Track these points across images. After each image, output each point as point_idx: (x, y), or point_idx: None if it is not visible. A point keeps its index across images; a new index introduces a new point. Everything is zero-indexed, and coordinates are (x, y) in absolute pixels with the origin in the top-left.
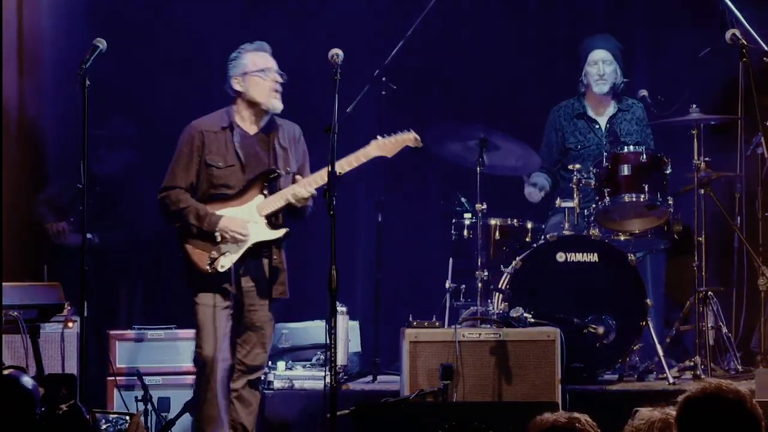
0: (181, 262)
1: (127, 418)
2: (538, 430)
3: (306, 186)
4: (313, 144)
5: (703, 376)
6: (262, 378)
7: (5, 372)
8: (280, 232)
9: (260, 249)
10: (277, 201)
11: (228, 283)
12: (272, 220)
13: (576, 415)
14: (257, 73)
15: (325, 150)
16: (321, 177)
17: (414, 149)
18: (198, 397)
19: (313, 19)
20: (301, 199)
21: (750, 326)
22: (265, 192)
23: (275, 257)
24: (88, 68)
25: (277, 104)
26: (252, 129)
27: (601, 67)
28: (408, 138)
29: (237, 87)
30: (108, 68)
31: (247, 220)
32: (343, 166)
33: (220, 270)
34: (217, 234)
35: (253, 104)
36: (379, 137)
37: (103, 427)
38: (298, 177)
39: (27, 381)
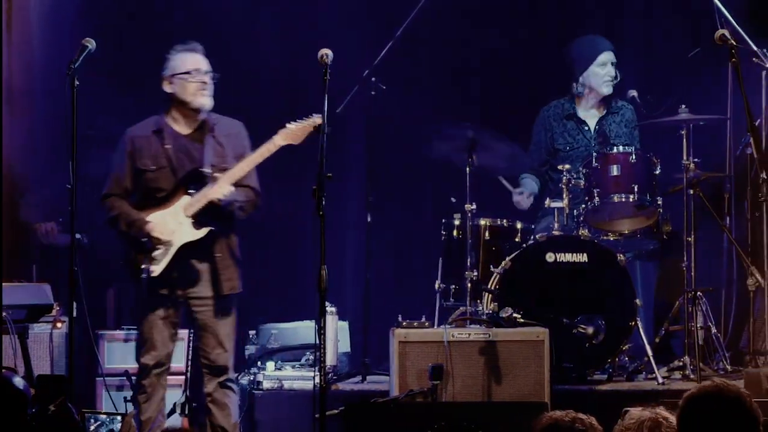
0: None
1: (119, 418)
2: (542, 425)
3: (223, 184)
4: (305, 144)
5: (692, 376)
6: (253, 378)
7: None
8: (203, 232)
9: (196, 249)
10: (200, 200)
11: (163, 288)
12: (199, 219)
13: (581, 416)
14: (183, 75)
15: (315, 150)
16: (235, 173)
17: (315, 132)
18: (134, 400)
19: (302, 20)
20: (224, 195)
21: (739, 326)
22: (191, 192)
23: (218, 254)
24: (77, 68)
25: (204, 102)
26: (185, 129)
27: (611, 68)
28: (313, 122)
29: (166, 88)
30: (97, 68)
31: (173, 222)
32: (255, 159)
33: (152, 275)
34: (145, 240)
35: (182, 104)
36: (287, 125)
37: (93, 427)
38: (217, 175)
39: (18, 381)
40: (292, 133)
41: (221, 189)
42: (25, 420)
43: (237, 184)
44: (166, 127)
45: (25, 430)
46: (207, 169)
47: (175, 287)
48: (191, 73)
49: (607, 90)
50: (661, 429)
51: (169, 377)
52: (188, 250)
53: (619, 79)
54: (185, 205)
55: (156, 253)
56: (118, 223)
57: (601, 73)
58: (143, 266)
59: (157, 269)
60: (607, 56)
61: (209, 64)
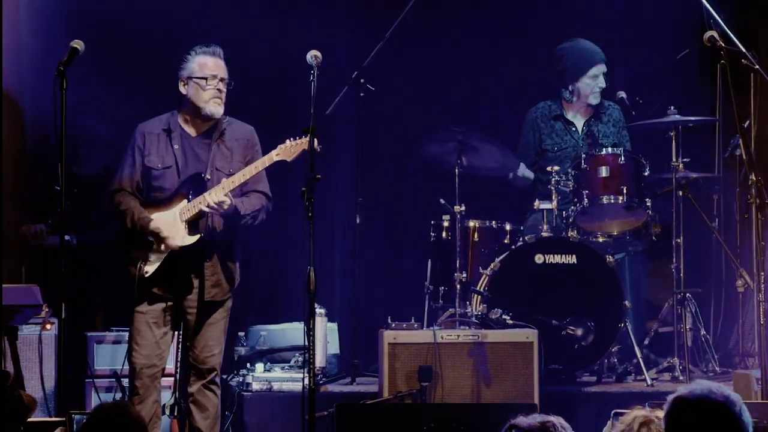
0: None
1: None
2: None
3: (216, 192)
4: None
5: (681, 378)
6: (242, 379)
7: None
8: (192, 239)
9: (188, 254)
10: (194, 206)
11: (156, 287)
12: (195, 225)
13: (551, 418)
14: (200, 80)
15: (304, 152)
16: (229, 183)
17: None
18: (129, 399)
19: (291, 20)
20: (210, 205)
21: (728, 328)
22: (190, 196)
23: (207, 261)
24: (66, 70)
25: (216, 110)
26: (194, 131)
27: (602, 80)
28: (306, 142)
29: (181, 89)
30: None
31: (171, 225)
32: (250, 170)
33: (145, 275)
34: (150, 237)
35: (194, 107)
36: (287, 140)
37: None
38: (223, 180)
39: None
40: (287, 149)
41: (212, 197)
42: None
43: (248, 191)
44: (177, 126)
45: None
46: (208, 175)
47: (167, 289)
48: (208, 79)
49: (594, 100)
50: (650, 426)
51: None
52: (180, 254)
53: (607, 86)
54: (182, 209)
55: (151, 254)
56: (125, 219)
57: (592, 84)
58: (139, 265)
59: (150, 269)
60: (599, 69)
61: (227, 69)
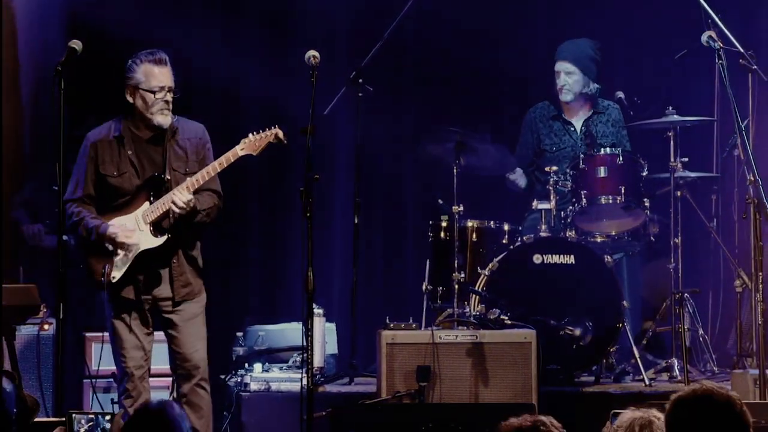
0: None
1: (108, 417)
2: None
3: (181, 192)
4: (291, 146)
5: (679, 378)
6: (240, 380)
7: None
8: (160, 240)
9: (155, 255)
10: (159, 207)
11: (127, 291)
12: (159, 226)
13: (541, 417)
14: (147, 92)
15: (302, 151)
16: (194, 181)
17: (277, 144)
18: (121, 404)
19: (289, 21)
20: (180, 206)
21: (726, 328)
22: (152, 198)
23: (174, 261)
24: (64, 70)
25: (164, 121)
26: (146, 134)
27: (563, 78)
28: (270, 134)
29: (129, 98)
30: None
31: (133, 229)
32: (215, 167)
33: (112, 281)
34: (107, 244)
35: (142, 117)
36: (250, 135)
37: (85, 427)
38: (186, 182)
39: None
40: (251, 143)
41: (178, 197)
42: (10, 419)
43: (200, 189)
44: (127, 132)
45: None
46: (167, 176)
47: (138, 291)
48: (156, 92)
49: (562, 97)
50: (652, 428)
51: (156, 379)
52: (147, 255)
53: (588, 86)
54: (145, 211)
55: (116, 258)
56: (78, 229)
57: (557, 81)
58: (104, 271)
59: (117, 274)
60: (560, 66)
61: (173, 76)
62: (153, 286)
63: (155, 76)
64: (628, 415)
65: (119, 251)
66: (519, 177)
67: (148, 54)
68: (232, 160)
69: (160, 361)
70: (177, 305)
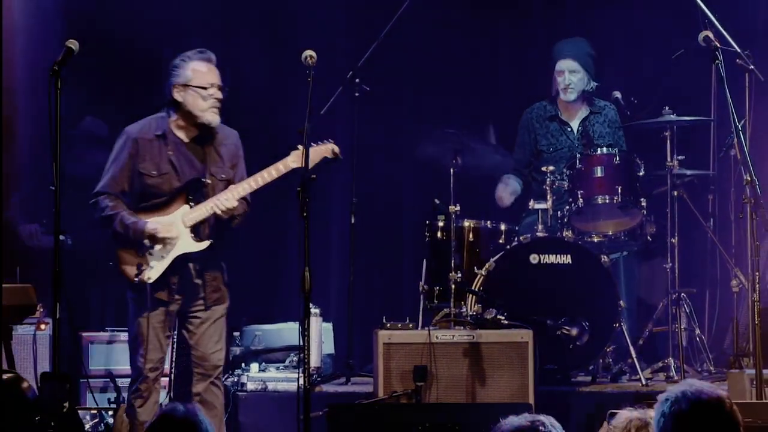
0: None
1: (111, 413)
2: None
3: (231, 195)
4: (290, 146)
5: (676, 378)
6: (237, 379)
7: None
8: (204, 244)
9: (188, 260)
10: (202, 211)
11: (160, 292)
12: (198, 230)
13: (540, 417)
14: (198, 88)
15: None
16: (243, 189)
17: (332, 161)
18: (128, 401)
19: (286, 21)
20: (227, 209)
21: (722, 328)
22: (191, 202)
23: (208, 266)
24: (61, 70)
25: (214, 119)
26: (187, 137)
27: (567, 77)
28: (326, 149)
29: (176, 96)
30: (81, 69)
31: (172, 229)
32: (264, 177)
33: (147, 281)
34: (146, 241)
35: (189, 115)
36: (299, 146)
37: (89, 424)
38: (232, 186)
39: (26, 388)
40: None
41: (228, 203)
42: (29, 427)
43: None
44: (170, 133)
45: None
46: (207, 180)
47: (172, 292)
48: (207, 88)
49: (565, 97)
50: (648, 428)
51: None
52: (182, 258)
53: (588, 84)
54: (185, 214)
55: (152, 258)
56: (113, 223)
57: (559, 80)
58: (139, 271)
59: (153, 276)
60: (563, 64)
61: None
62: (185, 289)
63: (205, 74)
64: (624, 415)
65: (156, 249)
66: (506, 196)
67: (198, 52)
68: (284, 172)
69: None
70: (207, 310)
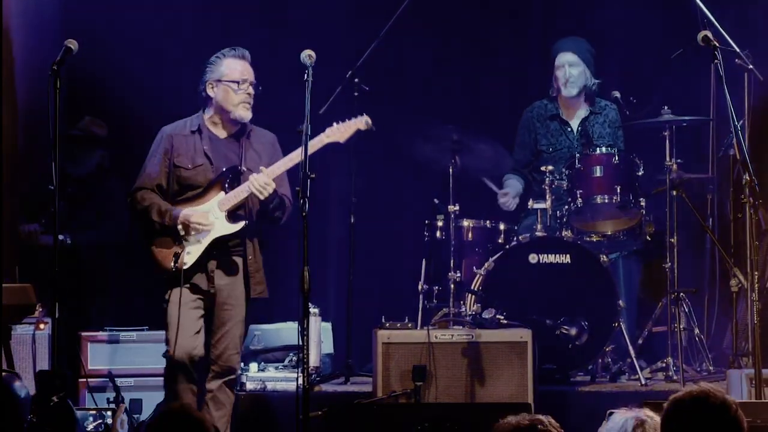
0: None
1: (109, 413)
2: None
3: (265, 173)
4: (288, 146)
5: (675, 377)
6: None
7: None
8: (238, 226)
9: (230, 246)
10: (238, 194)
11: (198, 279)
12: (234, 215)
13: (539, 416)
14: (231, 83)
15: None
16: (277, 168)
17: (365, 131)
18: (166, 394)
19: (285, 20)
20: (261, 186)
21: (722, 327)
22: (227, 188)
23: (250, 256)
24: (60, 69)
25: (245, 114)
26: (222, 133)
27: (567, 70)
28: (359, 122)
29: (210, 92)
30: (79, 69)
31: (208, 216)
32: (298, 153)
33: (184, 267)
34: (179, 227)
35: (222, 111)
36: (334, 123)
37: (92, 425)
38: (262, 168)
39: (18, 387)
40: (339, 131)
41: (258, 178)
42: (22, 427)
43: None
44: (205, 128)
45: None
46: (244, 168)
47: (210, 280)
48: (240, 83)
49: (567, 92)
50: (644, 427)
51: (152, 378)
52: (220, 247)
53: (589, 80)
54: (221, 200)
55: (188, 244)
56: (149, 213)
57: (559, 75)
58: (175, 257)
59: (189, 261)
60: (563, 58)
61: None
62: (225, 278)
63: (238, 70)
64: (620, 414)
65: (191, 235)
66: (509, 201)
67: (231, 50)
68: (318, 147)
69: (159, 361)
70: (248, 302)
